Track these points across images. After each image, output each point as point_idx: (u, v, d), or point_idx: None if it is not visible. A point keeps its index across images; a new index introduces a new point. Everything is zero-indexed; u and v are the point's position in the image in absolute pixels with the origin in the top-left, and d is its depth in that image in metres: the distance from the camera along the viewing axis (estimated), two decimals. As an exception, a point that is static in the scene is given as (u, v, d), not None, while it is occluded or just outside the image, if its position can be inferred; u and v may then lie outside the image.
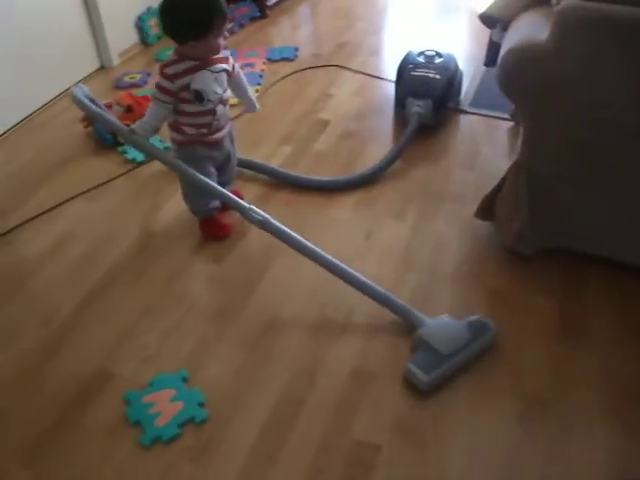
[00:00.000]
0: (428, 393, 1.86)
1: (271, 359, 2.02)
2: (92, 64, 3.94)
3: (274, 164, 2.90)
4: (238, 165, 2.69)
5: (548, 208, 2.17)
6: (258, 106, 2.55)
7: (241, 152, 2.88)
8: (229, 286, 2.31)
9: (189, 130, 2.30)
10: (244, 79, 2.50)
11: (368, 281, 2.07)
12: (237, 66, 2.42)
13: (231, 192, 2.56)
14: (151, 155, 2.34)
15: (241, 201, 2.20)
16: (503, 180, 2.23)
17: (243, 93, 2.51)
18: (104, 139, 3.05)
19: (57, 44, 3.61)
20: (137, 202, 2.76)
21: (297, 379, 1.94)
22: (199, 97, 2.21)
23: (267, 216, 2.13)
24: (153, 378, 1.96)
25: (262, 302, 2.23)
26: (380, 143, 3.02)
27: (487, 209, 2.33)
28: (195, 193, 2.40)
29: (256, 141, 3.10)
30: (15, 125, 3.44)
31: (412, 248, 2.40)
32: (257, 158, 2.92)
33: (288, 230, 2.11)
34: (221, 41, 2.19)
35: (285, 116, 3.31)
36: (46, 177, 2.98)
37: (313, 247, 2.10)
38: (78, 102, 2.30)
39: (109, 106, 3.17)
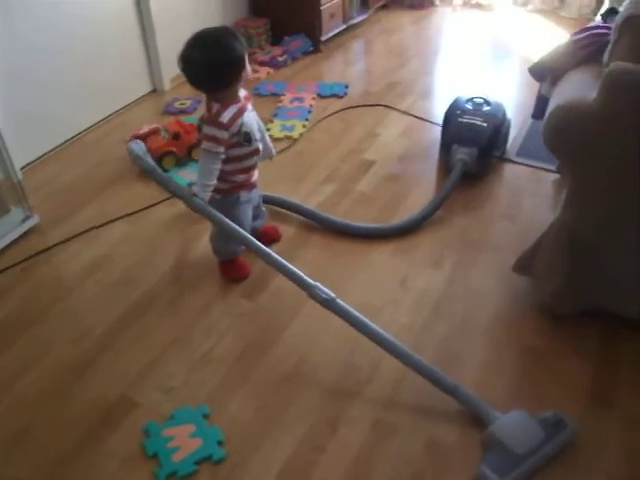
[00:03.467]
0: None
1: (294, 403, 2.00)
2: (144, 87, 4.04)
3: (315, 202, 2.92)
4: (274, 204, 2.73)
5: (588, 269, 2.12)
6: (274, 152, 2.53)
7: (284, 188, 2.93)
8: (259, 324, 2.31)
9: (238, 177, 2.31)
10: (261, 122, 2.44)
11: (440, 372, 1.95)
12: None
13: (266, 228, 2.62)
14: (212, 220, 2.23)
15: (306, 277, 2.07)
16: (543, 236, 2.20)
17: (262, 137, 2.42)
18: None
19: (114, 67, 3.73)
20: (177, 230, 2.79)
21: (318, 426, 1.92)
22: (248, 138, 2.23)
23: (333, 295, 2.02)
24: (175, 411, 1.97)
25: (291, 343, 2.21)
26: (423, 188, 3.00)
27: (526, 264, 2.29)
28: (226, 239, 2.38)
29: (299, 177, 3.12)
30: (68, 140, 3.54)
31: (446, 298, 2.38)
32: (298, 195, 2.95)
33: (355, 312, 2.01)
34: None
35: (330, 154, 3.32)
36: (91, 196, 3.05)
37: (383, 333, 1.99)
38: (136, 158, 2.28)
39: (157, 131, 3.22)
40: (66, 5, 3.32)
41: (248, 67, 2.19)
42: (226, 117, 2.16)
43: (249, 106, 2.28)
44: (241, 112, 2.20)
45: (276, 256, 2.14)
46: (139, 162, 2.29)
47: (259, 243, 2.18)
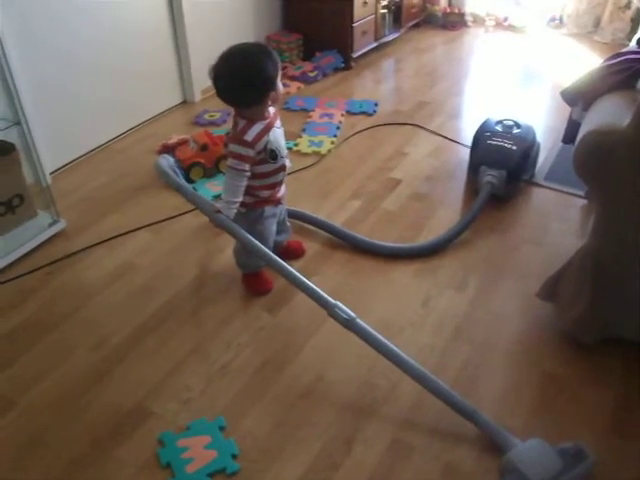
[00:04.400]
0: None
1: (311, 419, 1.98)
2: (175, 98, 4.08)
3: (340, 218, 2.91)
4: (299, 219, 2.74)
5: (613, 297, 2.08)
6: (290, 163, 2.46)
7: (310, 203, 2.93)
8: (279, 338, 2.30)
9: (263, 193, 2.29)
10: None
11: (458, 396, 1.92)
12: None
13: (290, 243, 2.62)
14: (236, 237, 2.23)
15: (326, 296, 2.05)
16: (569, 263, 2.17)
17: None
18: (176, 174, 3.08)
19: (146, 78, 3.78)
20: (200, 241, 2.79)
21: (334, 443, 1.90)
22: (274, 155, 2.21)
23: (353, 315, 2.00)
24: (191, 422, 1.96)
25: (310, 359, 2.20)
26: (449, 209, 2.98)
27: (550, 290, 2.25)
28: (249, 253, 2.34)
29: (326, 193, 3.11)
30: (98, 147, 3.57)
31: (468, 321, 2.35)
32: (324, 211, 2.95)
33: (376, 333, 1.99)
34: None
35: (357, 171, 3.32)
36: (116, 204, 3.07)
37: (403, 355, 1.97)
38: (162, 173, 2.29)
39: (186, 142, 3.24)
40: (100, 17, 3.37)
41: (280, 87, 2.16)
42: (251, 135, 2.15)
43: (277, 122, 2.27)
44: (267, 129, 2.19)
45: (297, 274, 2.12)
46: (165, 178, 2.30)
47: (281, 260, 2.17)
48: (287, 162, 2.32)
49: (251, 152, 2.16)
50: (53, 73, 3.19)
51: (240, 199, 2.23)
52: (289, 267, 2.15)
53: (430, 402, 1.96)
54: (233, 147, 2.17)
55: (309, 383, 2.11)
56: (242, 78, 2.08)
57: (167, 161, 2.36)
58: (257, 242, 2.19)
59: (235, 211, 2.22)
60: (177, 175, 2.37)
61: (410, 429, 1.95)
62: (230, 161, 2.19)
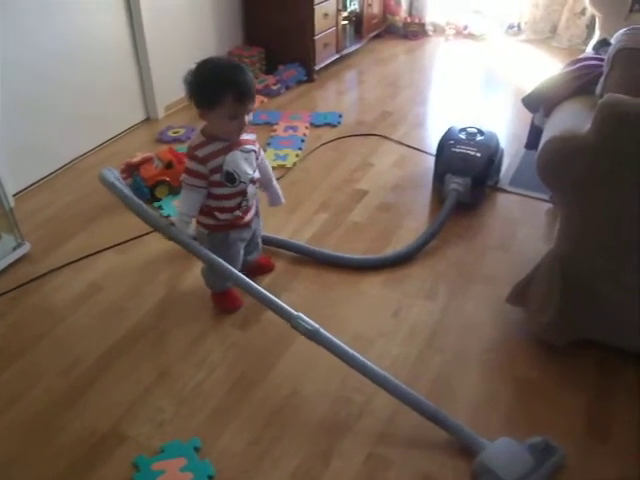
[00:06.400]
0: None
1: (286, 436, 1.97)
2: (138, 115, 4.04)
3: (308, 232, 2.91)
4: (268, 244, 2.73)
5: (582, 300, 2.11)
6: (283, 200, 2.51)
7: (277, 217, 2.92)
8: (252, 355, 2.28)
9: (221, 215, 2.25)
10: (270, 168, 2.44)
11: (425, 400, 1.93)
12: (262, 153, 2.36)
13: (259, 261, 2.60)
14: (190, 250, 2.20)
15: (288, 308, 2.03)
16: (537, 267, 2.19)
17: (268, 184, 2.44)
18: (142, 193, 3.07)
19: (108, 95, 3.73)
20: (168, 260, 2.76)
21: (311, 459, 1.89)
22: (231, 179, 2.17)
23: (317, 326, 1.98)
24: (165, 444, 1.93)
25: (283, 375, 2.19)
26: (416, 218, 2.99)
27: (519, 295, 2.27)
28: (216, 273, 2.31)
29: (293, 207, 3.10)
30: (61, 168, 3.52)
31: (440, 329, 2.36)
32: (291, 225, 2.95)
33: (341, 343, 1.98)
34: (241, 123, 2.11)
35: (323, 183, 3.32)
36: (81, 225, 3.03)
37: (369, 363, 1.97)
38: (109, 185, 2.25)
39: (150, 160, 3.21)
40: (62, 33, 3.33)
41: (244, 119, 2.11)
42: (202, 152, 2.13)
43: (247, 147, 2.22)
44: (224, 151, 2.15)
45: (257, 286, 2.11)
46: (112, 189, 2.23)
47: (239, 273, 2.15)
48: (250, 188, 2.25)
49: (202, 168, 2.14)
50: (14, 93, 3.13)
51: (194, 213, 2.22)
52: (249, 280, 2.13)
53: (405, 414, 1.96)
54: (186, 161, 2.18)
55: (283, 399, 2.09)
56: (193, 74, 2.10)
57: (112, 173, 2.32)
58: (212, 255, 2.16)
59: (189, 225, 2.21)
60: (123, 186, 2.31)
61: (387, 442, 1.95)
62: (182, 175, 2.19)
